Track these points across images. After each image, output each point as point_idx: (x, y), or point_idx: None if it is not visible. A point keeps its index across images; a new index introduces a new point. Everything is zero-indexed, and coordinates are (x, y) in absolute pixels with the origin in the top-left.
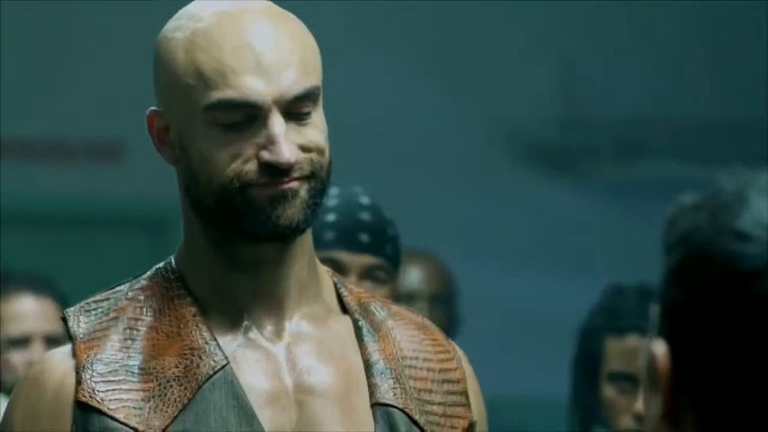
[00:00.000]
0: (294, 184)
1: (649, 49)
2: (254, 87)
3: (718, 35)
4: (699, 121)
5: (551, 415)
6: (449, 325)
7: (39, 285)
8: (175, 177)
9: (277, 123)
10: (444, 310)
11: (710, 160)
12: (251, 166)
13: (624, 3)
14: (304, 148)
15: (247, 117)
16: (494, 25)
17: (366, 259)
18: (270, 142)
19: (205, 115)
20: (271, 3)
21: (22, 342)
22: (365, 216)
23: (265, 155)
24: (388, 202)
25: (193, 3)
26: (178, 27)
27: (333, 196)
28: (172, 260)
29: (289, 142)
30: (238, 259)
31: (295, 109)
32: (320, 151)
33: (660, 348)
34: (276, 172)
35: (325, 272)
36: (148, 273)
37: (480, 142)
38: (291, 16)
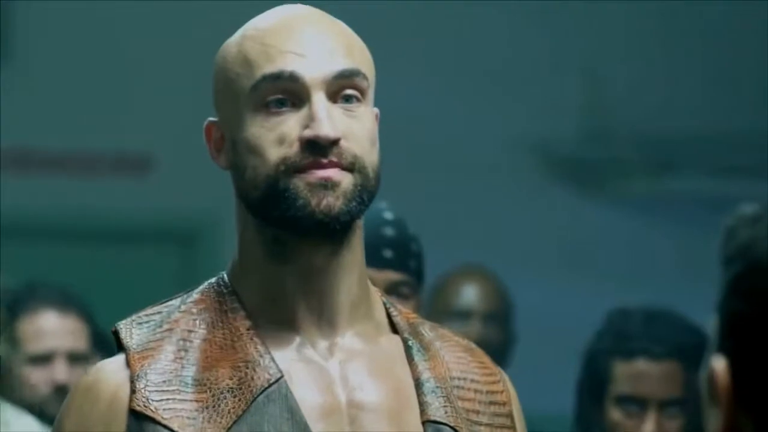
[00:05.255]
0: (333, 173)
1: (679, 62)
2: (297, 62)
3: (748, 48)
4: (729, 136)
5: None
6: (504, 343)
7: (63, 300)
8: (204, 190)
9: (319, 100)
10: (499, 327)
11: (740, 174)
12: (295, 148)
13: (653, 17)
14: (348, 138)
15: (290, 95)
16: (523, 38)
17: (390, 275)
18: (311, 119)
19: (251, 98)
20: (323, 11)
21: (44, 359)
22: (389, 232)
23: (307, 132)
24: (414, 216)
25: None
26: (233, 36)
27: None
28: (224, 275)
29: (332, 120)
30: (289, 261)
31: (339, 91)
32: (364, 146)
33: (719, 363)
34: (317, 148)
35: (375, 292)
36: (200, 287)
37: (508, 156)
38: (342, 22)
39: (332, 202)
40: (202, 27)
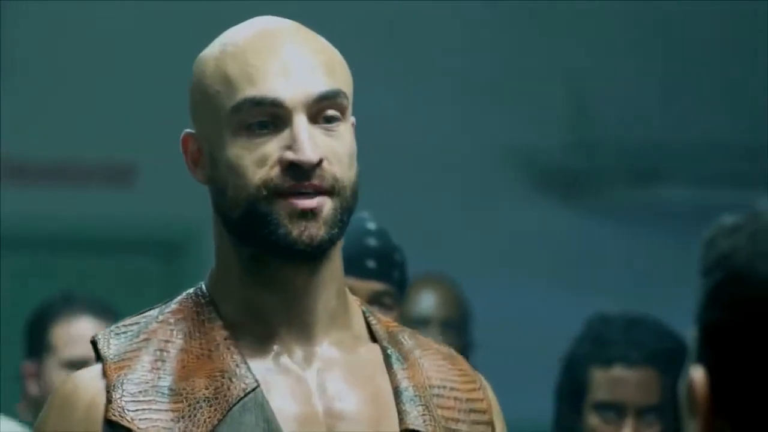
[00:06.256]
0: (315, 203)
1: (663, 72)
2: (279, 86)
3: (733, 59)
4: (713, 145)
5: None
6: (462, 350)
7: (101, 309)
8: (189, 200)
9: (301, 123)
10: (457, 335)
11: (725, 184)
12: (276, 171)
13: (638, 26)
14: (329, 159)
15: (272, 118)
16: (507, 47)
17: (373, 285)
18: (293, 142)
19: (232, 119)
20: (300, 24)
21: (79, 365)
22: (372, 242)
23: (289, 155)
24: (399, 227)
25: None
26: (210, 48)
27: None
28: (203, 285)
29: (314, 143)
30: (268, 280)
31: (320, 113)
32: (344, 166)
33: (698, 373)
34: (299, 172)
35: (354, 301)
36: (179, 297)
37: (492, 167)
38: (320, 36)
39: (314, 232)
40: (187, 38)
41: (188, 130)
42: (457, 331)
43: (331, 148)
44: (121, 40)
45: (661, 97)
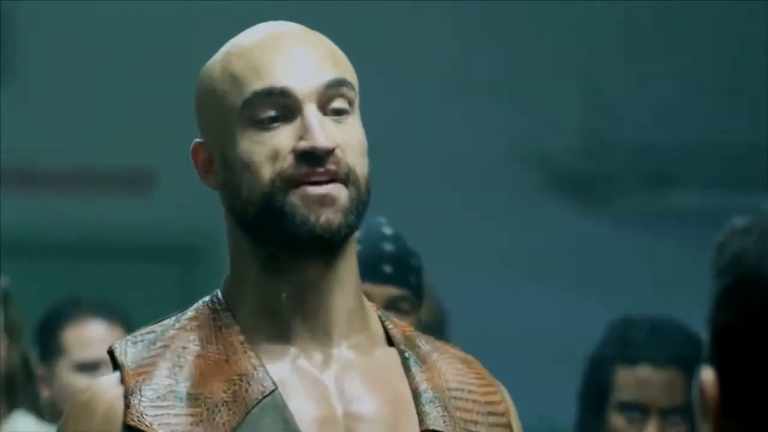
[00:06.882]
0: (330, 189)
1: (677, 76)
2: (287, 76)
3: (747, 62)
4: (727, 149)
5: None
6: None
7: (111, 311)
8: (206, 207)
9: (311, 111)
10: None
11: (738, 188)
12: (289, 161)
13: (651, 29)
14: (342, 148)
15: (282, 110)
16: (520, 51)
17: (389, 291)
18: (305, 131)
19: (242, 114)
20: (305, 27)
21: (91, 367)
22: (388, 247)
23: (302, 144)
24: (408, 231)
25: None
26: (215, 56)
27: None
28: (218, 293)
29: (325, 130)
30: (284, 277)
31: (329, 103)
32: (356, 157)
33: (708, 375)
34: (313, 159)
35: (370, 306)
36: (195, 305)
37: (505, 170)
38: (325, 37)
39: (331, 217)
40: (204, 44)
41: (197, 139)
42: (435, 335)
43: (343, 138)
44: (139, 45)
45: (676, 101)
